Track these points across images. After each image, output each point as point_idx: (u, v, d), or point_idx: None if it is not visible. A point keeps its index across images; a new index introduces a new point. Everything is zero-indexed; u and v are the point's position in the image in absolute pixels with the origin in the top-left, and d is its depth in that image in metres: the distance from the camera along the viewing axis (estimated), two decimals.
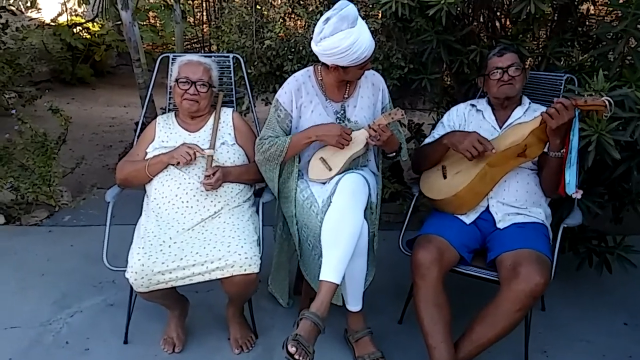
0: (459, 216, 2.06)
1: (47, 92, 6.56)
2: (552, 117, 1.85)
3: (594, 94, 1.91)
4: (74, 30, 6.98)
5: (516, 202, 2.04)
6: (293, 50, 2.58)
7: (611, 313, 2.40)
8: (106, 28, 7.09)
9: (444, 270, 1.91)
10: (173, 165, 2.02)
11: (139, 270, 1.74)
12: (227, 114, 2.23)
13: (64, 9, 7.23)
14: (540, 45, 2.74)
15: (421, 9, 2.34)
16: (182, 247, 1.83)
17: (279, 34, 2.48)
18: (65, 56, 6.91)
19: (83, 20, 7.27)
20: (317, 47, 1.91)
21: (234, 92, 2.44)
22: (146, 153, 2.11)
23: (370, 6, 2.59)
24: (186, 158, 1.96)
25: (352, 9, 1.84)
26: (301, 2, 2.55)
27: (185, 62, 2.17)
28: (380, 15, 2.52)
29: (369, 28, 2.48)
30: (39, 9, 6.90)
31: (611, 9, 2.69)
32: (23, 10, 6.80)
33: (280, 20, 2.46)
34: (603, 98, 1.82)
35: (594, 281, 2.57)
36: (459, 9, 2.27)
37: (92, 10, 6.82)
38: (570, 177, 1.90)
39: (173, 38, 7.42)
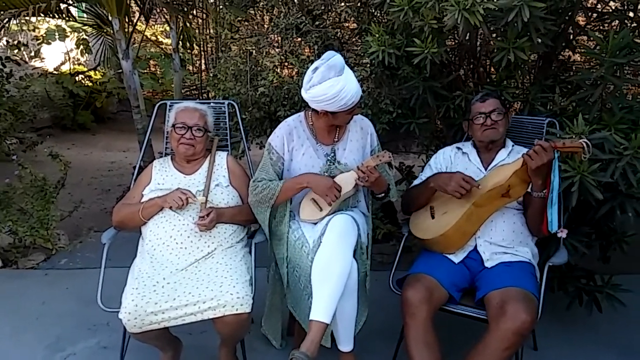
0: (447, 255, 2.11)
1: (48, 138, 6.69)
2: (532, 158, 1.93)
3: (574, 136, 2.00)
4: (76, 78, 7.18)
5: (503, 241, 2.10)
6: (286, 97, 2.69)
7: (602, 352, 2.42)
8: (107, 76, 7.29)
9: (433, 309, 1.94)
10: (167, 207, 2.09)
11: (132, 311, 1.77)
12: (222, 158, 2.31)
13: (67, 58, 7.46)
14: (524, 91, 2.86)
15: (407, 57, 2.46)
16: (175, 288, 1.86)
17: (273, 82, 2.59)
18: (67, 103, 7.08)
19: (85, 69, 7.48)
20: (307, 94, 2.01)
21: (229, 137, 2.52)
22: (142, 195, 2.17)
23: (360, 55, 2.71)
24: (178, 203, 2.02)
25: (338, 58, 1.95)
26: (294, 52, 2.67)
27: (182, 108, 2.27)
28: (369, 63, 2.64)
29: (359, 76, 2.63)
30: (43, 58, 7.12)
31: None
32: (27, 59, 7.02)
33: (274, 68, 2.58)
34: (580, 140, 1.90)
35: (584, 320, 2.59)
36: (442, 57, 2.39)
37: (94, 59, 7.05)
38: (552, 215, 1.96)
39: (172, 85, 7.69)
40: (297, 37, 2.77)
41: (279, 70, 2.81)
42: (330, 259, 1.88)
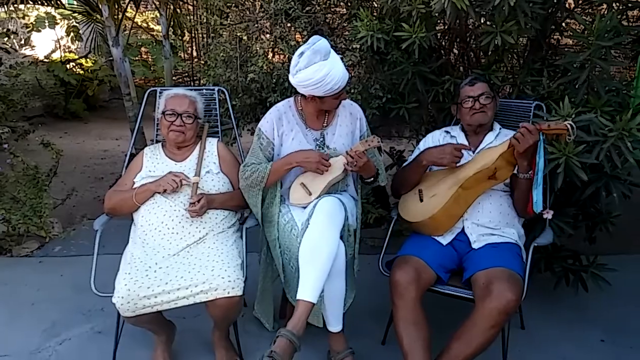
0: (435, 238, 2.15)
1: (40, 127, 6.66)
2: (518, 140, 1.96)
3: (560, 119, 2.03)
4: (67, 66, 7.13)
5: (490, 223, 2.13)
6: (276, 82, 2.70)
7: (588, 330, 2.47)
8: (99, 63, 7.25)
9: (421, 289, 1.98)
10: (160, 193, 2.11)
11: (125, 295, 1.80)
12: (212, 144, 2.33)
13: (58, 45, 7.40)
14: (513, 75, 2.88)
15: (396, 42, 2.47)
16: (167, 272, 1.90)
17: (263, 68, 2.60)
18: (59, 91, 7.04)
19: (76, 57, 7.43)
20: (294, 79, 2.02)
21: (219, 123, 2.54)
22: (134, 182, 2.19)
23: (351, 40, 2.72)
24: (172, 186, 2.04)
25: (324, 43, 1.97)
26: (283, 38, 2.68)
27: (171, 95, 2.28)
28: (359, 49, 2.65)
29: (349, 61, 2.64)
30: (33, 46, 7.06)
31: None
32: (17, 48, 6.97)
33: (264, 54, 2.58)
34: (565, 122, 1.93)
35: (570, 299, 2.65)
36: (431, 41, 2.41)
37: (85, 47, 7.01)
38: (537, 196, 1.99)
39: (164, 72, 7.66)
40: (287, 23, 2.78)
41: (270, 55, 2.82)
42: (317, 240, 1.91)
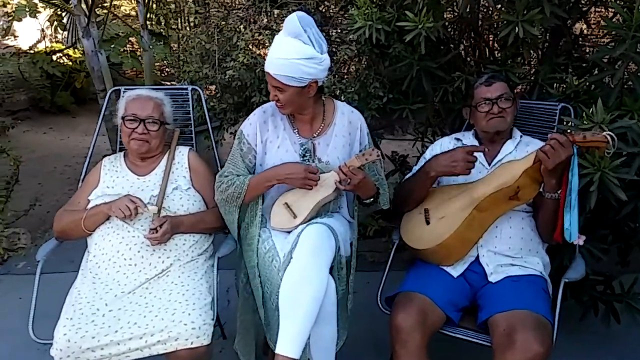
0: (445, 268, 1.81)
1: (24, 122, 6.35)
2: (547, 155, 1.62)
3: (594, 127, 1.69)
4: (53, 57, 6.77)
5: (510, 250, 1.79)
6: (260, 80, 2.35)
7: None
8: None
9: (427, 335, 1.64)
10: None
11: (64, 347, 1.47)
12: (182, 154, 1.99)
13: (43, 35, 7.03)
14: (532, 71, 2.52)
15: (399, 33, 2.12)
16: (118, 316, 1.56)
17: (244, 63, 2.24)
18: (44, 84, 6.69)
19: (63, 47, 7.06)
20: None
21: (192, 129, 2.20)
22: (88, 201, 1.86)
23: (345, 32, 2.36)
24: (124, 213, 1.70)
25: (294, 18, 1.68)
26: (268, 27, 2.32)
27: (133, 97, 1.94)
28: (355, 41, 2.29)
29: (343, 56, 2.28)
30: (16, 36, 6.70)
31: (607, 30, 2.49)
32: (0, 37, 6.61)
33: (245, 47, 2.22)
34: (604, 133, 1.59)
35: (600, 332, 2.29)
36: (439, 33, 2.05)
37: (70, 37, 6.64)
38: (572, 222, 1.66)
39: (157, 64, 7.27)
40: (274, 10, 2.42)
41: (253, 48, 2.46)
42: (300, 280, 1.58)
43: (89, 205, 1.83)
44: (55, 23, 6.10)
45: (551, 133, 1.67)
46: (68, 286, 1.77)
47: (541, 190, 1.73)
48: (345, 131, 1.89)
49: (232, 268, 1.96)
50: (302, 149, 1.84)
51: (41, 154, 5.24)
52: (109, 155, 2.08)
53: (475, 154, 1.93)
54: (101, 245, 1.75)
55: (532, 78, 2.37)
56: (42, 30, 6.97)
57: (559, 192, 1.69)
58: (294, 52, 1.67)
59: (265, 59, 1.77)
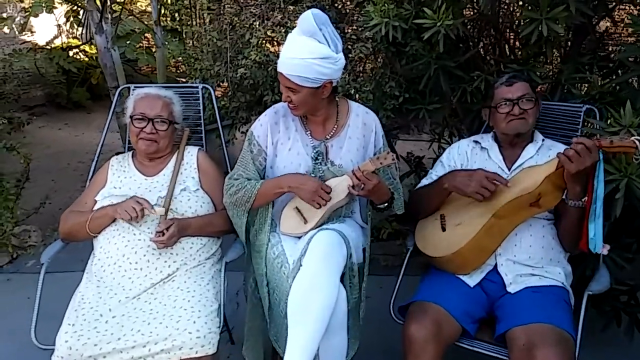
0: (461, 277, 1.73)
1: (40, 117, 6.37)
2: (571, 160, 1.53)
3: (621, 130, 1.60)
4: (70, 52, 6.78)
5: (530, 260, 1.71)
6: (274, 78, 2.28)
7: None
8: None
9: (442, 347, 1.57)
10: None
11: (66, 355, 1.43)
12: (191, 155, 1.94)
13: (60, 31, 7.05)
14: (554, 70, 2.42)
15: (417, 31, 2.04)
16: (122, 323, 1.51)
17: (256, 61, 2.18)
18: (60, 80, 6.71)
19: (79, 43, 7.08)
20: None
21: (202, 128, 2.15)
22: (95, 202, 1.82)
23: (360, 29, 2.29)
24: (131, 215, 1.65)
25: (309, 15, 1.60)
26: (282, 24, 2.25)
27: (141, 95, 1.89)
28: (371, 39, 2.21)
29: (358, 54, 2.20)
30: (33, 32, 6.73)
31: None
32: (17, 33, 6.64)
33: (258, 44, 2.16)
34: (633, 137, 1.50)
35: (622, 344, 2.19)
36: (459, 31, 1.97)
37: (87, 33, 6.64)
38: (596, 231, 1.58)
39: (172, 60, 7.24)
40: (288, 6, 2.35)
41: (266, 45, 2.40)
42: (309, 289, 1.51)
43: (96, 206, 1.79)
44: (72, 19, 6.10)
45: (576, 137, 1.58)
46: (76, 286, 1.73)
47: (564, 197, 1.65)
48: (359, 133, 1.82)
49: (241, 270, 1.91)
50: (314, 151, 1.78)
51: (56, 150, 5.25)
52: (121, 152, 2.04)
53: (493, 158, 1.86)
54: (106, 249, 1.71)
55: (555, 78, 2.28)
56: (59, 26, 6.99)
57: (583, 200, 1.61)
58: (309, 51, 1.60)
59: (278, 57, 1.70)
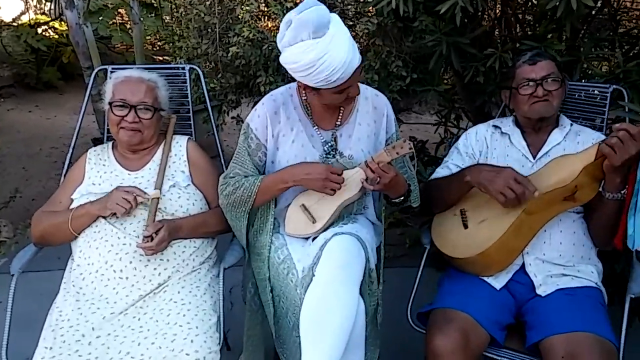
0: (485, 279, 1.57)
1: (8, 99, 6.01)
2: (614, 149, 1.37)
3: None
4: (38, 30, 6.40)
5: (560, 258, 1.56)
6: (267, 57, 2.06)
7: None
8: None
9: (470, 359, 1.41)
10: (105, 217, 1.51)
11: None
12: (180, 145, 1.72)
13: (28, 6, 6.64)
14: (573, 46, 2.24)
15: (426, 4, 1.84)
16: (107, 344, 1.31)
17: (249, 38, 1.96)
18: (29, 59, 6.33)
19: (48, 19, 6.68)
20: (281, 57, 1.41)
21: (191, 115, 1.92)
22: (71, 200, 1.59)
23: (363, 2, 2.08)
24: (125, 207, 1.44)
25: (318, 11, 1.33)
26: None
27: (121, 79, 1.65)
28: (375, 13, 2.01)
29: (363, 30, 1.99)
30: None
31: None
32: None
33: (250, 20, 1.93)
34: None
35: None
36: (477, 4, 1.77)
37: (57, 9, 6.26)
38: (636, 227, 1.42)
39: (148, 37, 6.89)
40: None
41: (260, 22, 2.17)
42: (325, 304, 1.33)
43: (72, 206, 1.57)
44: None
45: (618, 124, 1.41)
46: (53, 287, 1.52)
47: (600, 189, 1.49)
48: (369, 118, 1.62)
49: (234, 265, 1.70)
50: (323, 142, 1.57)
51: (26, 135, 4.93)
52: (98, 139, 1.81)
53: (516, 144, 1.68)
54: (87, 254, 1.49)
55: (573, 55, 2.10)
56: (26, 1, 6.57)
57: (623, 192, 1.45)
58: (343, 44, 1.37)
59: (273, 33, 1.48)
